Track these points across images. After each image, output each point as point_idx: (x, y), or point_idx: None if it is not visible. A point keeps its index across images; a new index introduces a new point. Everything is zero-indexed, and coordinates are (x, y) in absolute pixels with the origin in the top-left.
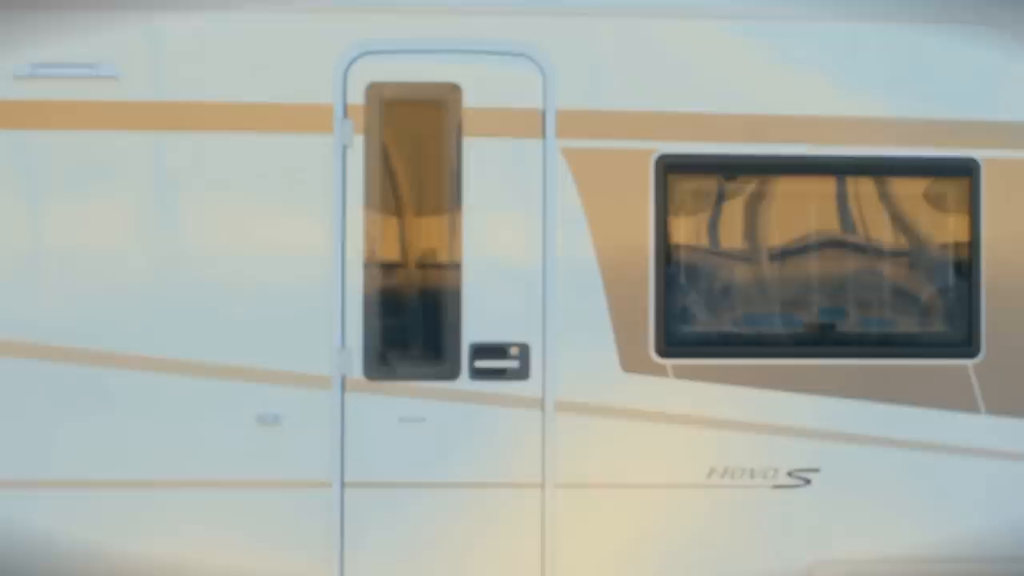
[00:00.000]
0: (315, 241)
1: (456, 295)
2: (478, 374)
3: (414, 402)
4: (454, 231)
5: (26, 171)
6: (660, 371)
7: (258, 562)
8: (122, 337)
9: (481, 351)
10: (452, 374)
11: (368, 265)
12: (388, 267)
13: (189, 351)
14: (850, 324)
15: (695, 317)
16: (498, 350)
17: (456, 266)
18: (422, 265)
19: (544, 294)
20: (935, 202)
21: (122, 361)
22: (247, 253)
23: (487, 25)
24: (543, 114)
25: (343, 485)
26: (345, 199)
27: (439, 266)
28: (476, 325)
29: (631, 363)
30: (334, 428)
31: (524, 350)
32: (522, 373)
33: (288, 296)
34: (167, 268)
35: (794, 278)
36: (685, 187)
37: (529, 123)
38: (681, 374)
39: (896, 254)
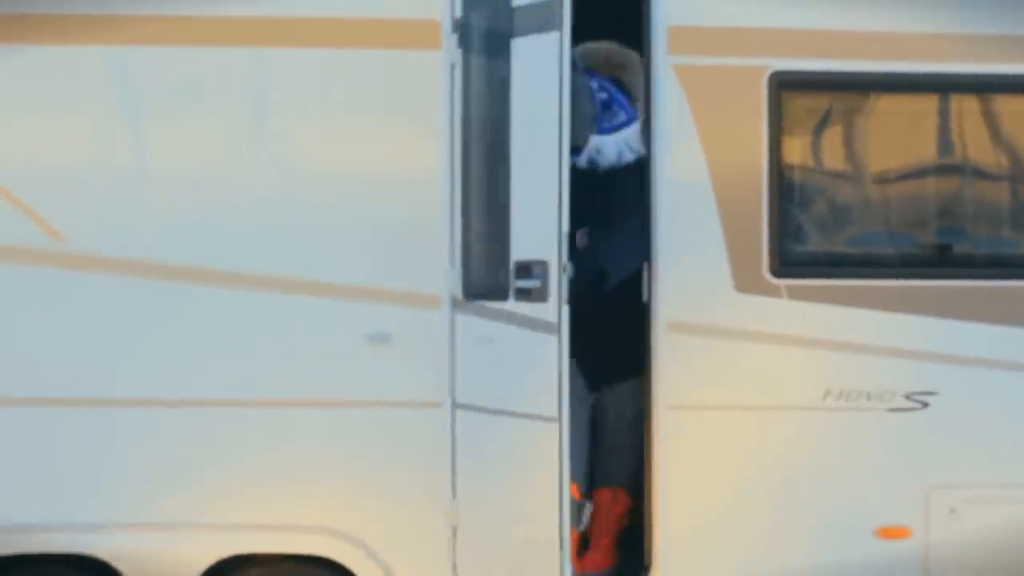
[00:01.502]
0: (424, 161)
1: None
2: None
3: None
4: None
5: (127, 88)
6: (774, 291)
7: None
8: (232, 256)
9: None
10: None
11: None
12: None
13: (299, 270)
14: (968, 245)
15: (810, 237)
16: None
17: None
18: None
19: (656, 214)
20: None
21: (232, 280)
22: (356, 173)
23: None
24: (652, 30)
25: (454, 406)
26: (453, 118)
27: None
28: None
29: (745, 283)
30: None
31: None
32: None
33: (397, 215)
34: (276, 186)
35: (911, 198)
36: (800, 104)
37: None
38: (795, 295)
39: (1014, 173)
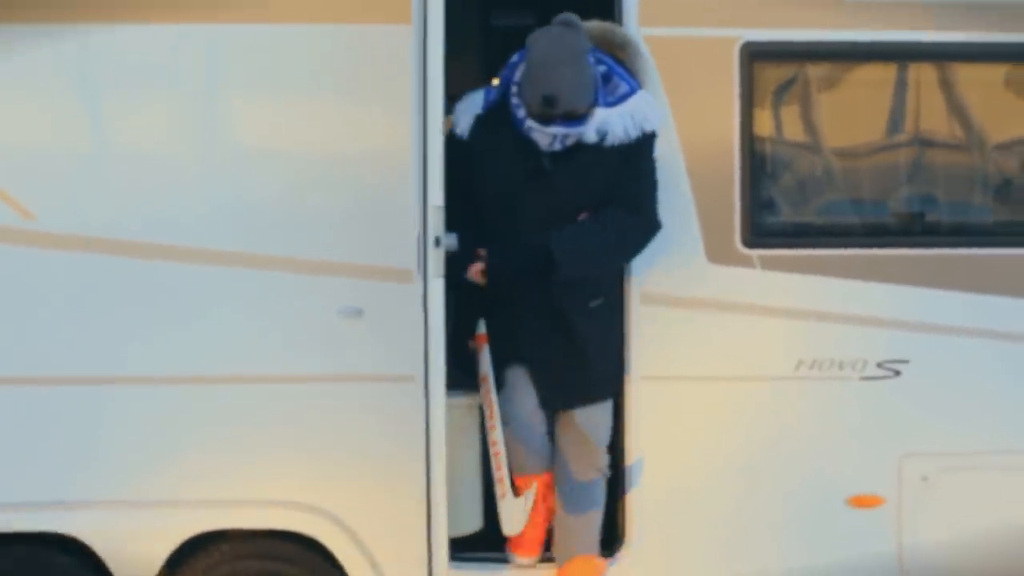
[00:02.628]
0: (394, 136)
1: None
2: None
3: None
4: None
5: (86, 68)
6: (746, 262)
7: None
8: (200, 233)
9: None
10: None
11: None
12: None
13: (269, 247)
14: (940, 213)
15: (782, 207)
16: None
17: None
18: None
19: None
20: None
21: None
22: (329, 148)
23: None
24: (623, 2)
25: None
26: (425, 92)
27: None
28: None
29: (717, 254)
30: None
31: None
32: None
33: (368, 190)
34: (246, 164)
35: (882, 167)
36: (771, 75)
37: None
38: (768, 265)
39: (988, 142)
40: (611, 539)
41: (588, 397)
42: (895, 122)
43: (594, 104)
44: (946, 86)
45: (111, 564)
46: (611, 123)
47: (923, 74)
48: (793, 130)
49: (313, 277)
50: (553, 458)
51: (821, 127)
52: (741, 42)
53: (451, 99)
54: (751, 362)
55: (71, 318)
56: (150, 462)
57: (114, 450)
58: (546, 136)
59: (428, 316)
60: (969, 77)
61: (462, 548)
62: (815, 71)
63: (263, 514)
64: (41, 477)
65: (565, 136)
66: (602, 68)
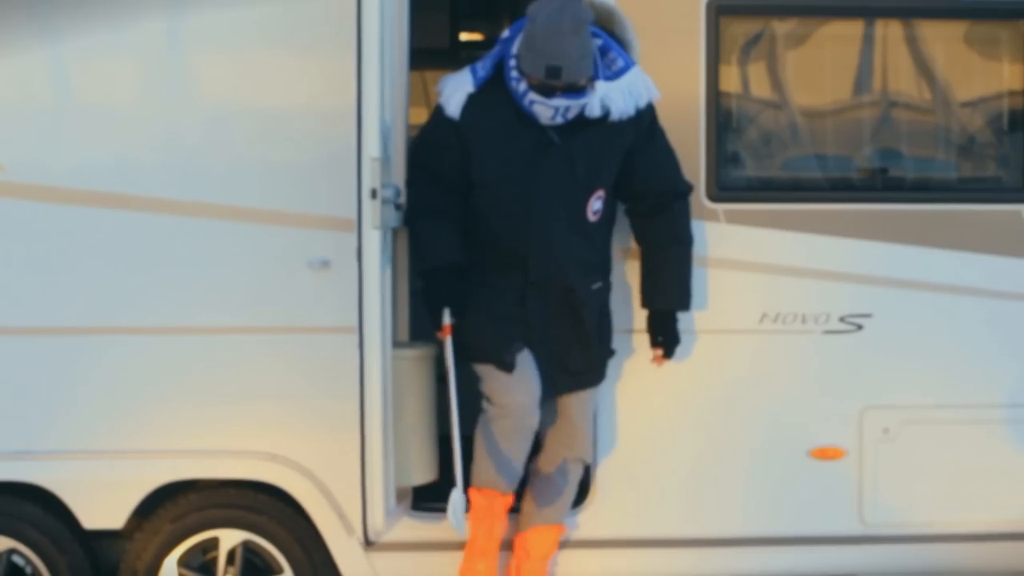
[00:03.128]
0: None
1: None
2: None
3: None
4: None
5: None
6: (712, 216)
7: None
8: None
9: None
10: None
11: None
12: None
13: (233, 198)
14: (903, 169)
15: (746, 162)
16: None
17: None
18: None
19: None
20: (992, 46)
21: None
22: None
23: None
24: None
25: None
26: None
27: None
28: None
29: None
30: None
31: None
32: None
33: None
34: (217, 117)
35: (846, 123)
36: (737, 30)
37: None
38: (733, 219)
39: (951, 98)
40: (578, 492)
41: (589, 380)
42: (859, 79)
43: (595, 77)
44: (911, 42)
45: (79, 514)
46: (613, 98)
47: (888, 31)
48: (758, 86)
49: (269, 227)
50: (520, 479)
51: (786, 83)
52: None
53: (420, 53)
54: (715, 315)
55: (38, 269)
56: (117, 413)
57: (81, 401)
58: (548, 109)
59: (363, 267)
60: (934, 34)
61: (426, 498)
62: (781, 27)
63: (230, 464)
64: (9, 428)
65: (567, 109)
66: (598, 42)
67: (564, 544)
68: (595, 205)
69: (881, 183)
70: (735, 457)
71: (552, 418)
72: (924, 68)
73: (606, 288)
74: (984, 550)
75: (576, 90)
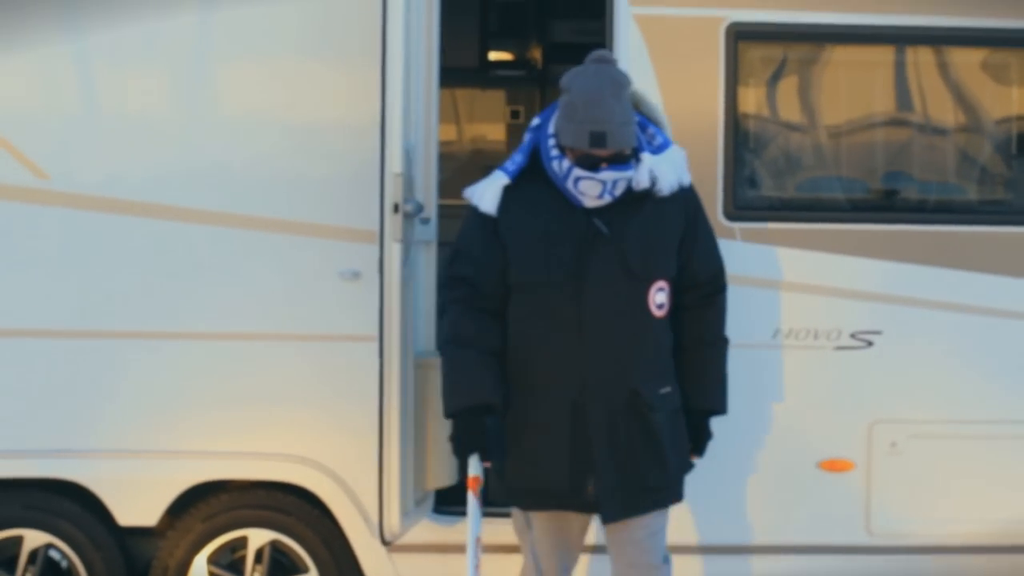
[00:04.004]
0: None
1: None
2: None
3: None
4: None
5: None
6: (729, 234)
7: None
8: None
9: None
10: None
11: None
12: None
13: (267, 210)
14: (915, 191)
15: (763, 182)
16: None
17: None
18: None
19: None
20: (1003, 72)
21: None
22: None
23: None
24: None
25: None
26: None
27: None
28: None
29: None
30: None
31: None
32: None
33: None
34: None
35: (860, 145)
36: (755, 54)
37: None
38: (749, 237)
39: (963, 123)
40: None
41: (666, 498)
42: (875, 103)
43: (640, 149)
44: (925, 68)
45: (115, 511)
46: (661, 169)
47: (903, 57)
48: (775, 108)
49: (303, 238)
50: None
51: (803, 106)
52: (727, 22)
53: (449, 72)
54: (732, 330)
55: (76, 274)
56: (154, 414)
57: (120, 402)
58: (596, 185)
59: (384, 279)
60: (950, 60)
61: (447, 502)
62: (798, 52)
63: (260, 466)
64: (50, 427)
65: (615, 184)
66: (636, 117)
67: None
68: (658, 298)
69: (894, 204)
70: (747, 467)
71: (619, 550)
72: (936, 93)
73: (675, 393)
74: (987, 562)
75: (622, 161)
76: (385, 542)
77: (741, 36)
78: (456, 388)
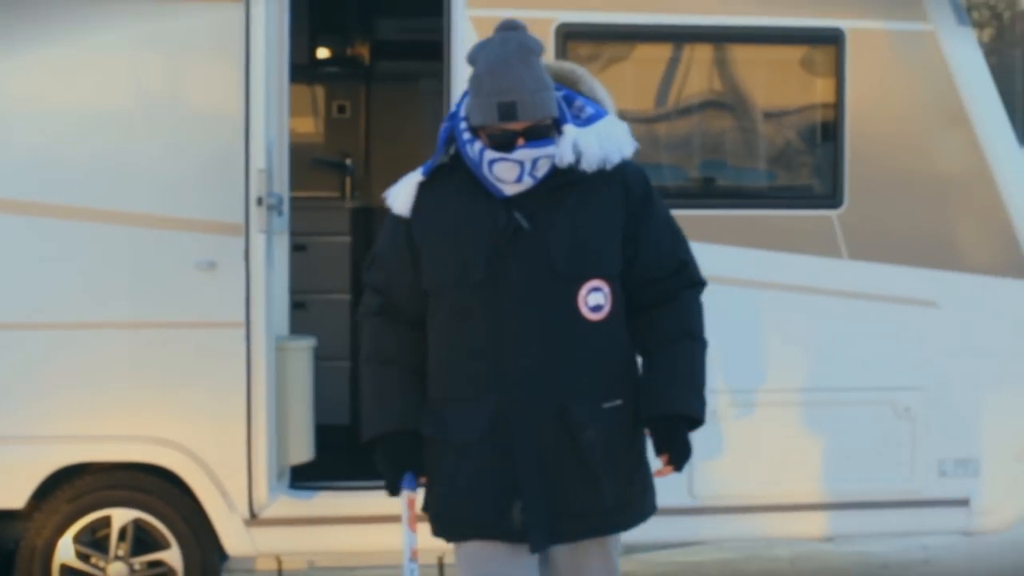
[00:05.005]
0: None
1: None
2: None
3: None
4: None
5: None
6: None
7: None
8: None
9: None
10: None
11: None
12: None
13: (125, 203)
14: (729, 178)
15: None
16: None
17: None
18: None
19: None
20: (807, 67)
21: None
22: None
23: None
24: None
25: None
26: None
27: None
28: None
29: None
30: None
31: None
32: None
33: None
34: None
35: (679, 136)
36: (582, 52)
37: None
38: None
39: (771, 115)
40: None
41: (594, 528)
42: (691, 96)
43: (561, 120)
44: (733, 65)
45: None
46: (586, 141)
47: (714, 54)
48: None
49: (163, 232)
50: None
51: (625, 100)
52: (557, 23)
53: (295, 67)
54: None
55: None
56: (21, 401)
57: None
58: (512, 167)
59: (249, 268)
60: (754, 57)
61: (303, 478)
62: (619, 49)
63: (123, 448)
64: None
65: (535, 164)
66: (560, 93)
67: None
68: (592, 299)
69: (710, 191)
70: None
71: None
72: (745, 88)
73: (627, 407)
74: (797, 519)
75: (541, 136)
76: (253, 515)
77: (570, 36)
78: (379, 412)
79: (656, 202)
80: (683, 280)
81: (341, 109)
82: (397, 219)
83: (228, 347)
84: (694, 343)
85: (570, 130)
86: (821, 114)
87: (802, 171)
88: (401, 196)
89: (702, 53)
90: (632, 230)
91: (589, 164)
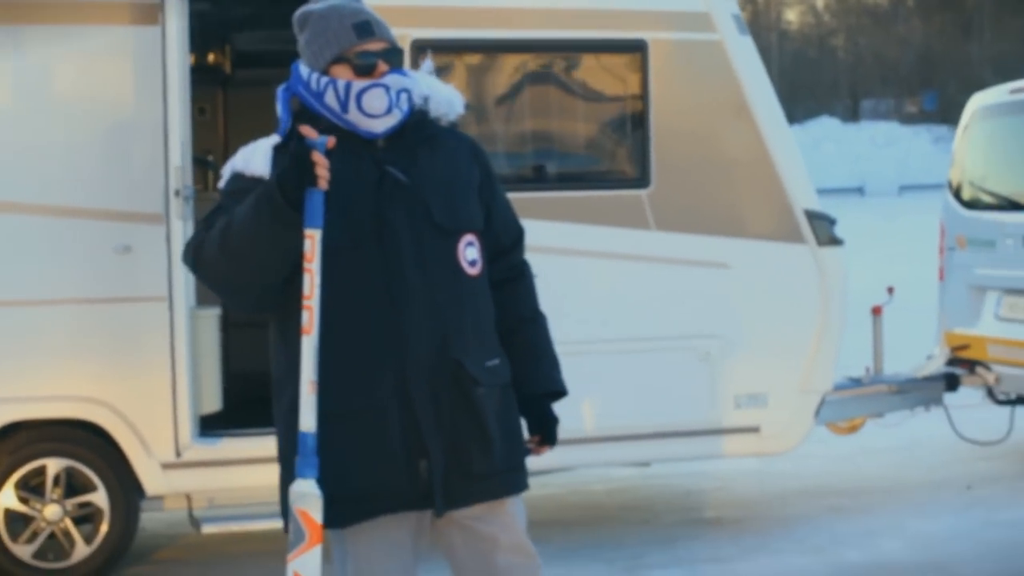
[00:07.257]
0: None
1: None
2: None
3: None
4: None
5: None
6: None
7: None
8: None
9: None
10: None
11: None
12: None
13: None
14: (556, 165)
15: None
16: None
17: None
18: None
19: None
20: (618, 71)
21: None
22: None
23: None
24: None
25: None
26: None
27: None
28: None
29: None
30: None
31: None
32: None
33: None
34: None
35: (514, 130)
36: (435, 62)
37: None
38: None
39: (590, 112)
40: None
41: (489, 490)
42: (521, 98)
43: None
44: (556, 71)
45: None
46: (431, 83)
47: (539, 62)
48: None
49: (92, 221)
50: None
51: (472, 101)
52: (411, 39)
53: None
54: None
55: None
56: None
57: None
58: (381, 94)
59: (171, 249)
60: (572, 64)
61: (211, 426)
62: (466, 60)
63: (56, 407)
64: None
65: (399, 93)
66: None
67: None
68: (469, 253)
69: (540, 176)
70: None
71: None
72: (567, 89)
73: (503, 367)
74: (620, 447)
75: (397, 64)
76: (179, 455)
77: (421, 49)
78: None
79: (495, 175)
80: (521, 251)
81: (201, 111)
82: (254, 180)
83: (151, 318)
84: (543, 318)
85: (417, 72)
86: (631, 110)
87: (616, 158)
88: (258, 157)
89: (532, 61)
90: (485, 191)
91: (438, 106)
